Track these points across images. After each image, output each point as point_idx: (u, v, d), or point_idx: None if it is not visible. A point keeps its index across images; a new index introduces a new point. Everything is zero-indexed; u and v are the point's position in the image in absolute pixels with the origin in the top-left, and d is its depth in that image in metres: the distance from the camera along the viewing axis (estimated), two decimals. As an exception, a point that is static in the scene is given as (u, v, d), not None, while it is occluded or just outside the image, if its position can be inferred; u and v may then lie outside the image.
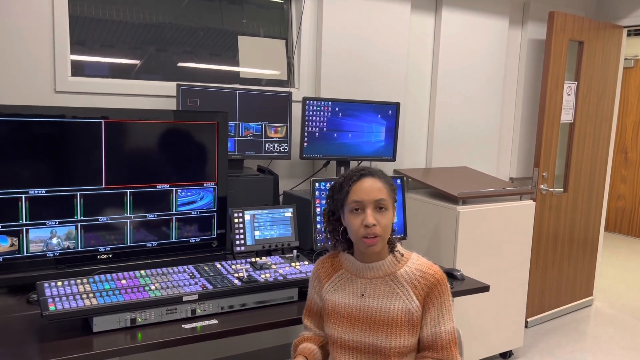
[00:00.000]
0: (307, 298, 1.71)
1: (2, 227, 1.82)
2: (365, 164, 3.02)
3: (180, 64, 2.78)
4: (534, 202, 3.25)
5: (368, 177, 1.53)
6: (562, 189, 3.89)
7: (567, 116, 3.82)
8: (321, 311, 1.65)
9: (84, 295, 1.64)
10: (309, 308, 1.70)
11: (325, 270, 1.64)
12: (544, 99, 3.63)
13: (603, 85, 4.04)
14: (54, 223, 1.90)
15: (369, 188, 1.51)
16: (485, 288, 2.20)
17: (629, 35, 4.28)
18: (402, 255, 1.58)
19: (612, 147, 4.27)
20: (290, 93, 2.70)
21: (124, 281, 1.77)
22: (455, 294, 2.16)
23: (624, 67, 4.31)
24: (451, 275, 2.23)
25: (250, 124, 2.61)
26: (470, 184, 3.13)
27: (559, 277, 3.97)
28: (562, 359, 3.35)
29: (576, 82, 3.83)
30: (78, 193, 1.92)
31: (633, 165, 6.65)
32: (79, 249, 1.95)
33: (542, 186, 3.69)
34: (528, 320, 3.76)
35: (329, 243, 1.65)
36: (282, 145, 2.70)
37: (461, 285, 2.20)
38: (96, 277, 1.79)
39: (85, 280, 1.75)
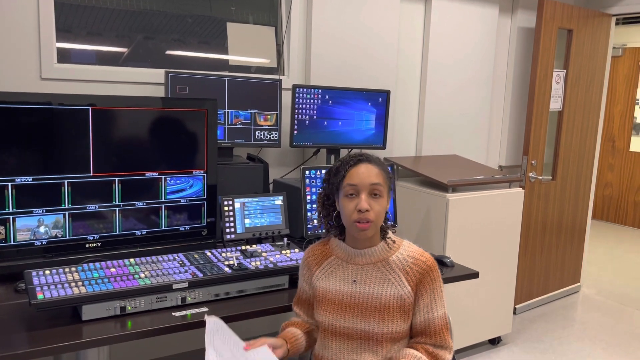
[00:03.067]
0: (297, 286, 1.72)
1: (-11, 215, 1.80)
2: (355, 152, 3.01)
3: (168, 52, 2.75)
4: (523, 190, 3.27)
5: (365, 162, 1.54)
6: (550, 177, 3.92)
7: (556, 104, 3.84)
8: (310, 299, 1.65)
9: (73, 284, 1.62)
10: (299, 296, 1.70)
11: (316, 257, 1.64)
12: (533, 87, 3.64)
13: (591, 73, 4.06)
14: (41, 211, 1.88)
15: (365, 173, 1.51)
16: (474, 275, 2.21)
17: (617, 23, 4.30)
18: (394, 242, 1.58)
19: (599, 136, 4.30)
20: (280, 80, 2.68)
21: (113, 269, 1.76)
22: (445, 281, 2.16)
23: (612, 55, 4.33)
24: (441, 262, 2.24)
25: (239, 111, 2.59)
26: (460, 172, 3.14)
27: (547, 264, 4.01)
28: (549, 345, 3.39)
29: (565, 71, 3.84)
30: (65, 181, 1.90)
31: (620, 154, 6.71)
32: (67, 237, 1.93)
33: (531, 174, 3.72)
34: (516, 306, 3.80)
35: (322, 228, 1.64)
36: (272, 133, 2.68)
37: (451, 272, 2.21)
38: (85, 265, 1.77)
39: (73, 269, 1.73)
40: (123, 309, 1.63)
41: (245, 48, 2.93)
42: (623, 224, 6.73)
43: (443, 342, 1.55)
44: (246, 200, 2.24)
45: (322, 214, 1.62)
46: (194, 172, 2.14)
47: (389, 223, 1.62)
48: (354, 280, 1.56)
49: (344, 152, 2.93)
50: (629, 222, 6.68)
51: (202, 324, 1.66)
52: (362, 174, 1.51)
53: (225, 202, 2.20)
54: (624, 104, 6.63)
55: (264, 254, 2.01)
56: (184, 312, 1.68)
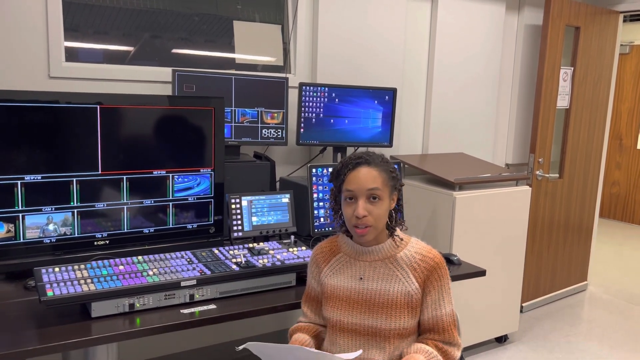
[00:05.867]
0: (306, 284, 1.72)
1: (-2, 213, 1.81)
2: (360, 151, 3.01)
3: (175, 51, 2.76)
4: (530, 188, 3.26)
5: (364, 165, 1.51)
6: (557, 175, 3.90)
7: (563, 102, 3.83)
8: (319, 297, 1.66)
9: (82, 281, 1.63)
10: (307, 294, 1.70)
11: (324, 255, 1.65)
12: (540, 85, 3.62)
13: (599, 71, 4.04)
14: (50, 209, 1.89)
15: (363, 178, 1.50)
16: (481, 273, 2.21)
17: (624, 21, 4.27)
18: (402, 239, 1.59)
19: (607, 133, 4.28)
20: (287, 79, 2.69)
21: (121, 267, 1.77)
22: (452, 279, 2.14)
23: (619, 53, 4.31)
24: (448, 260, 2.24)
25: (246, 109, 2.60)
26: (466, 170, 3.14)
27: (554, 262, 4.00)
28: (556, 343, 3.38)
29: (572, 68, 3.83)
30: (74, 179, 1.91)
31: (628, 152, 6.68)
32: (76, 235, 1.94)
33: (537, 172, 3.70)
34: (523, 304, 3.79)
35: (334, 223, 1.64)
36: (279, 132, 2.69)
37: (458, 270, 2.21)
38: (93, 263, 1.78)
39: (82, 266, 1.74)
40: (132, 306, 1.64)
41: (252, 46, 2.93)
42: (630, 222, 6.69)
43: (452, 339, 1.55)
44: (253, 198, 2.25)
45: (334, 210, 1.62)
46: (201, 170, 2.15)
47: (401, 219, 1.62)
48: (361, 278, 1.56)
49: (350, 150, 2.93)
50: (636, 220, 6.65)
51: (210, 321, 1.67)
52: (360, 179, 1.49)
53: (233, 200, 2.21)
54: (631, 102, 6.59)
55: (271, 252, 2.01)
56: (192, 310, 1.69)
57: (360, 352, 1.41)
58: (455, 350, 1.56)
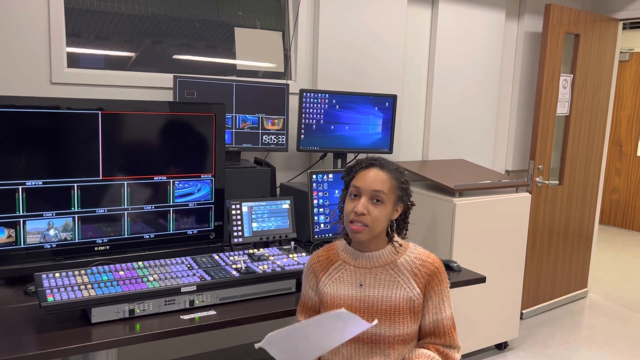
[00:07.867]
0: (301, 294, 1.71)
1: (-1, 218, 1.82)
2: (362, 156, 3.02)
3: (176, 57, 2.77)
4: (530, 195, 3.26)
5: (377, 167, 1.54)
6: (557, 182, 3.91)
7: (562, 109, 3.84)
8: (316, 306, 1.65)
9: (82, 287, 1.63)
10: (303, 303, 1.69)
11: (321, 263, 1.64)
12: (540, 92, 3.64)
13: (598, 78, 4.05)
14: (51, 214, 1.89)
15: (372, 178, 1.51)
16: (481, 279, 2.21)
17: (624, 28, 4.29)
18: (400, 245, 1.59)
19: (607, 140, 4.29)
20: (287, 85, 2.70)
21: (121, 272, 1.77)
22: (452, 286, 2.15)
23: (619, 60, 4.32)
24: (448, 266, 2.24)
25: (247, 115, 2.61)
26: (466, 176, 3.14)
27: (554, 269, 4.00)
28: (556, 350, 3.38)
29: (572, 75, 3.84)
30: (75, 184, 1.91)
31: (627, 158, 6.68)
32: (77, 240, 1.95)
33: (537, 179, 3.71)
34: (523, 311, 3.79)
35: (341, 225, 1.64)
36: (279, 138, 2.69)
37: (457, 276, 2.21)
38: (94, 268, 1.78)
39: (83, 272, 1.74)
40: (132, 311, 1.64)
41: (253, 53, 2.94)
42: (630, 229, 6.69)
43: (452, 342, 1.56)
44: (254, 204, 2.25)
45: (341, 209, 1.62)
46: (202, 176, 2.15)
47: (404, 233, 1.62)
48: (361, 284, 1.56)
49: (350, 157, 2.94)
50: (636, 227, 6.64)
51: (210, 327, 1.67)
52: (368, 178, 1.52)
53: (233, 206, 2.21)
54: (631, 109, 6.61)
55: (271, 258, 2.01)
56: (192, 315, 1.69)
57: (376, 322, 1.38)
58: (455, 352, 1.57)
